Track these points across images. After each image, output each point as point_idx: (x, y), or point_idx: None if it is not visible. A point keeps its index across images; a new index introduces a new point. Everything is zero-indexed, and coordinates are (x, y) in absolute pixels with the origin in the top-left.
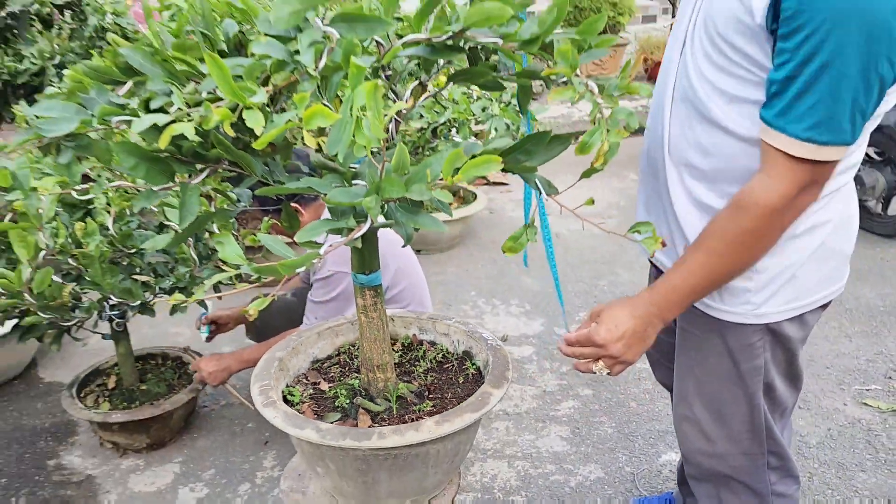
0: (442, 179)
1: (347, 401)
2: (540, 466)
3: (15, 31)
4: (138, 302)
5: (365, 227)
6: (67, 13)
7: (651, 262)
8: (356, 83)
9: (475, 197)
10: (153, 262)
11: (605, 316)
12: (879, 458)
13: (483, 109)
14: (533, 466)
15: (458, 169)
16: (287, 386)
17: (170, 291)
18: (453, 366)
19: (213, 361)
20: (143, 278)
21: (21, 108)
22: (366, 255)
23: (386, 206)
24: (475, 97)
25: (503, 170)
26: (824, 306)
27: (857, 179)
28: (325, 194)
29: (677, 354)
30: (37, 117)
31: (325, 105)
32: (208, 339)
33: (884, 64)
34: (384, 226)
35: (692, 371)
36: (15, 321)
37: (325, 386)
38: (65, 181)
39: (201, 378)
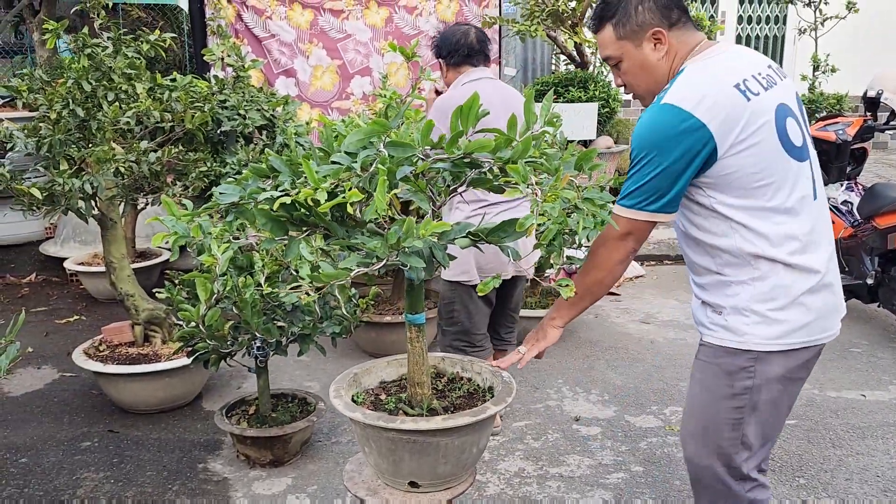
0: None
1: (394, 405)
2: None
3: (224, 144)
4: (274, 340)
5: (379, 264)
6: (264, 133)
7: None
8: (381, 179)
9: None
10: (290, 311)
11: None
12: None
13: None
14: None
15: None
16: (356, 392)
17: (298, 336)
18: (479, 395)
19: None
20: (280, 323)
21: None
22: (412, 300)
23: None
24: None
25: (488, 241)
26: (808, 350)
27: None
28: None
29: (689, 384)
30: (220, 193)
31: (364, 191)
32: None
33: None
34: (397, 265)
35: (696, 390)
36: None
37: (383, 396)
38: (228, 234)
39: None
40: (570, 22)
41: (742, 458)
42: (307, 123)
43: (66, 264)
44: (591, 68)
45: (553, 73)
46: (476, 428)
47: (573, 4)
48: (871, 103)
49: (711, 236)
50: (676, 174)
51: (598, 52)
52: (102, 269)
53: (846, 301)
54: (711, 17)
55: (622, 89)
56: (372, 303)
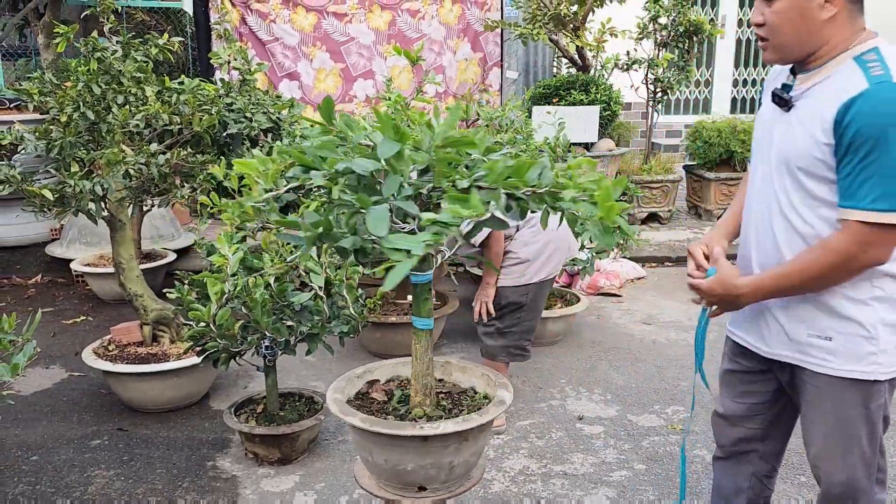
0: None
1: (386, 399)
2: None
3: (231, 147)
4: (283, 339)
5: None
6: (269, 135)
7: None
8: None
9: (578, 300)
10: (298, 311)
11: (719, 275)
12: None
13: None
14: None
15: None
16: (388, 378)
17: (307, 335)
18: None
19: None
20: (289, 322)
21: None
22: (417, 303)
23: None
24: None
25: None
26: None
27: None
28: None
29: (808, 412)
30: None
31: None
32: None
33: None
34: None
35: (828, 421)
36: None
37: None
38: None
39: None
40: (571, 25)
41: (880, 461)
42: (311, 126)
43: (73, 265)
44: (592, 71)
45: (555, 76)
46: (367, 436)
47: (575, 8)
48: None
49: None
50: None
51: None
52: (109, 270)
53: None
54: (712, 20)
55: (751, 29)
56: (379, 303)
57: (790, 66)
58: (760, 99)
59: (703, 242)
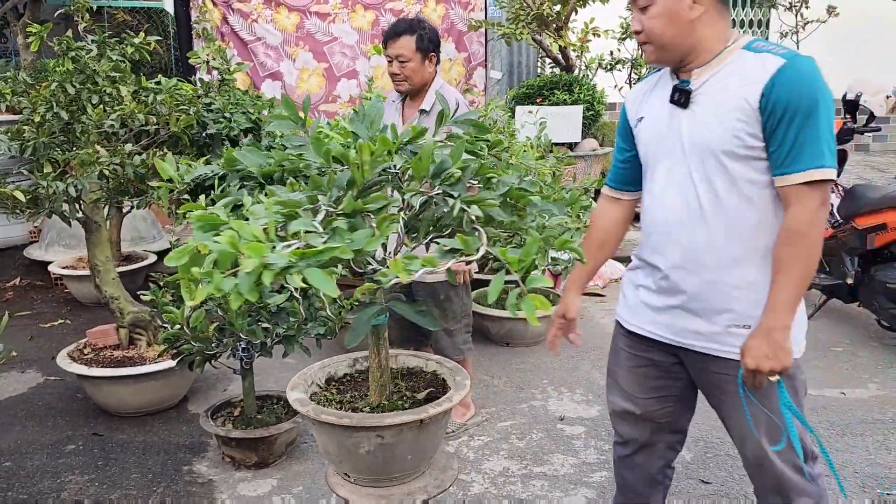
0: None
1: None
2: None
3: (210, 147)
4: (259, 341)
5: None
6: (249, 136)
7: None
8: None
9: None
10: (275, 313)
11: (743, 352)
12: None
13: None
14: None
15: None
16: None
17: (283, 337)
18: None
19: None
20: (265, 324)
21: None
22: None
23: None
24: None
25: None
26: None
27: None
28: None
29: (727, 400)
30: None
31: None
32: None
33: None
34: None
35: (758, 413)
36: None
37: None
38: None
39: None
40: (554, 25)
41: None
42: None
43: (51, 268)
44: (576, 71)
45: (538, 76)
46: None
47: (558, 8)
48: (851, 106)
49: (772, 223)
50: None
51: None
52: (87, 272)
53: (827, 301)
54: None
55: (638, 46)
56: (356, 304)
57: (669, 70)
58: (624, 114)
59: (562, 314)
